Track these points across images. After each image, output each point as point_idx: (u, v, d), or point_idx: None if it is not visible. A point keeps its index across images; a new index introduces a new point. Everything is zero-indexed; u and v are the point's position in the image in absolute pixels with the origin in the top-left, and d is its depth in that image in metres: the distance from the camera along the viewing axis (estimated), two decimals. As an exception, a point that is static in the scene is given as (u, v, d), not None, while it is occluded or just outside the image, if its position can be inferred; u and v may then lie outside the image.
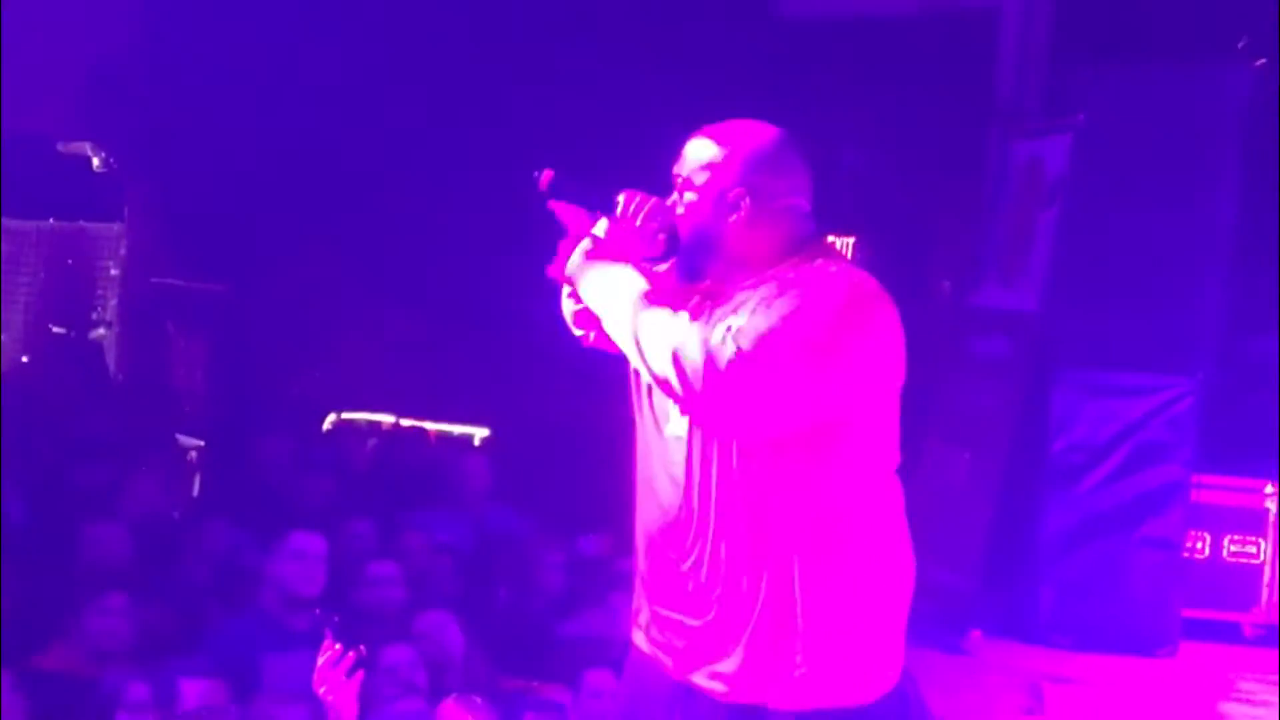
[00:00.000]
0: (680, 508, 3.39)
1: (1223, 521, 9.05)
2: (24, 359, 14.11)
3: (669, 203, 3.45)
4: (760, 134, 3.41)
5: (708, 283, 3.44)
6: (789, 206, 3.39)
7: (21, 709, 5.36)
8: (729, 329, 3.21)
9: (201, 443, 11.21)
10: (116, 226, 13.86)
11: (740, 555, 3.31)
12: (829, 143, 10.93)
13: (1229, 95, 8.85)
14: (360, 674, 4.51)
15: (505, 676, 6.76)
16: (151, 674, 5.66)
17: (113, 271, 14.08)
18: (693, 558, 3.38)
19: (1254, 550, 9.05)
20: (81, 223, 14.16)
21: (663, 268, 3.50)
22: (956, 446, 9.17)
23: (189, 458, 10.97)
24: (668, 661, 3.46)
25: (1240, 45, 8.97)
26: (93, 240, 14.24)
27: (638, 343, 3.27)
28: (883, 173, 10.97)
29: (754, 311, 3.23)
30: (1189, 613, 8.82)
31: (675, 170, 3.45)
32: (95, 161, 13.51)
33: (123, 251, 13.82)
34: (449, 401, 11.94)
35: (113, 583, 6.56)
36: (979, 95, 9.82)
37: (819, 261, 3.34)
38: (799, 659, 3.29)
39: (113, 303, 14.08)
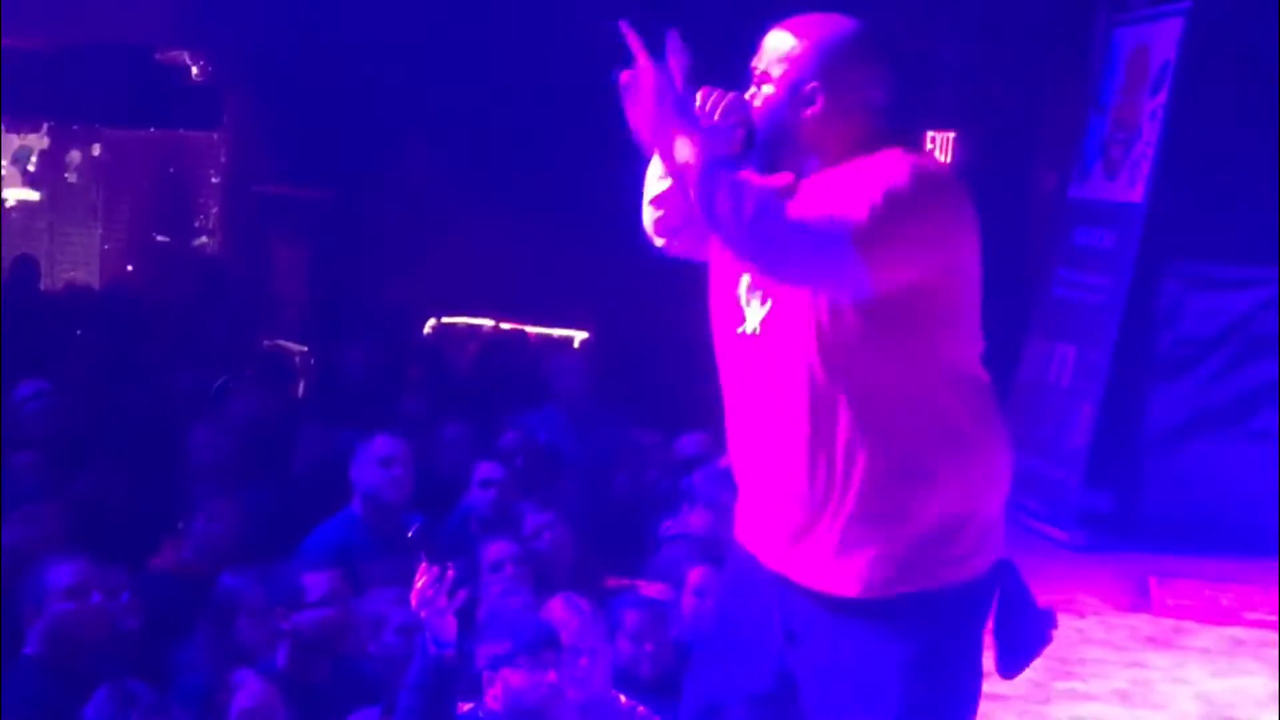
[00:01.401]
0: (764, 405, 3.38)
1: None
2: (129, 267, 14.33)
3: (747, 96, 3.40)
4: (836, 26, 3.38)
5: (785, 176, 3.38)
6: (865, 100, 3.36)
7: (139, 608, 5.44)
8: None
9: (305, 348, 11.34)
10: (216, 135, 14.01)
11: (827, 447, 3.31)
12: (928, 34, 10.81)
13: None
14: (461, 594, 4.52)
15: (609, 574, 6.79)
16: (263, 575, 5.72)
17: (214, 180, 14.25)
18: (782, 453, 3.37)
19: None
20: (181, 131, 14.30)
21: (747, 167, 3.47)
22: (1061, 341, 9.10)
23: (293, 361, 11.09)
24: (767, 555, 3.47)
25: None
26: (193, 149, 14.39)
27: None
28: (983, 64, 10.83)
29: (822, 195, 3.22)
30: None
31: (753, 64, 3.42)
32: (193, 70, 13.63)
33: (223, 160, 13.97)
34: (548, 304, 12.00)
35: (219, 485, 6.65)
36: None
37: (895, 151, 3.30)
38: (892, 547, 3.29)
39: (214, 211, 14.27)
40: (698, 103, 3.39)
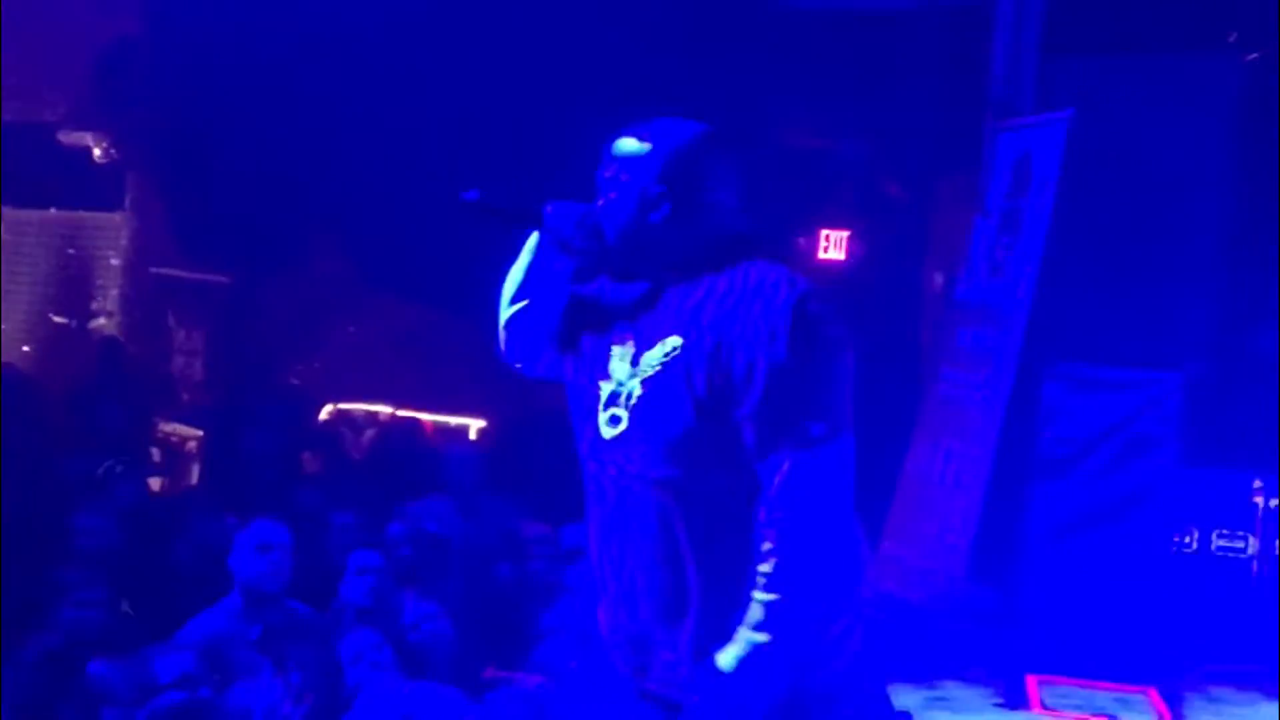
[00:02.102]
0: (616, 513, 3.40)
1: (1209, 516, 9.06)
2: (25, 348, 14.16)
3: (599, 205, 3.42)
4: (681, 131, 3.40)
5: (638, 288, 3.43)
6: (714, 203, 3.37)
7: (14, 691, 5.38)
8: (672, 350, 3.27)
9: (200, 432, 11.25)
10: (118, 216, 13.91)
11: (672, 557, 3.32)
12: (826, 134, 10.97)
13: (1221, 88, 8.85)
14: (308, 699, 4.53)
15: (490, 665, 6.77)
16: (131, 664, 5.67)
17: (113, 261, 14.11)
18: (634, 561, 3.39)
19: (1240, 545, 9.05)
20: (82, 212, 14.20)
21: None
22: (946, 438, 9.18)
23: (186, 448, 11.01)
24: (622, 665, 3.48)
25: (1231, 39, 8.96)
26: (94, 230, 14.27)
27: None
28: (878, 165, 10.99)
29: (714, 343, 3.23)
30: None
31: (602, 173, 3.43)
32: (96, 151, 13.55)
33: (124, 241, 13.86)
34: (446, 392, 11.97)
35: (97, 572, 6.58)
36: (973, 89, 9.81)
37: (756, 263, 3.31)
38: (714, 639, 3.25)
39: (113, 292, 14.13)
40: (548, 211, 3.44)
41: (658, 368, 3.30)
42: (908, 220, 10.93)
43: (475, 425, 11.74)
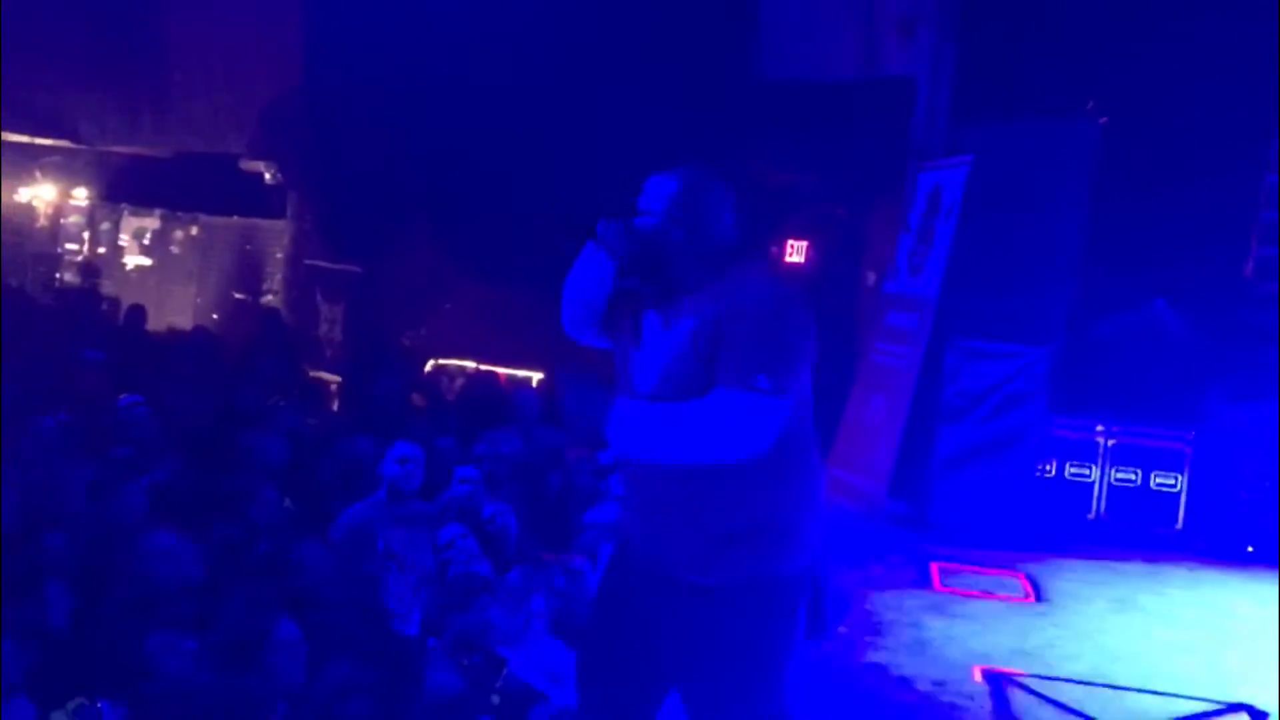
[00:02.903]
0: (647, 445, 3.35)
1: (1065, 451, 9.04)
2: (214, 316, 14.20)
3: (637, 225, 3.43)
4: (695, 173, 3.43)
5: (665, 286, 3.42)
6: (722, 225, 3.40)
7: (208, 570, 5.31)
8: (686, 329, 3.30)
9: (339, 378, 11.26)
10: (281, 223, 13.92)
11: (683, 475, 3.30)
12: (793, 172, 10.90)
13: (1081, 142, 8.78)
14: None
15: (545, 550, 6.75)
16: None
17: (278, 255, 14.15)
18: (654, 480, 3.37)
19: (1086, 473, 9.04)
20: (256, 219, 14.22)
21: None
22: (875, 392, 9.16)
23: (330, 388, 11.01)
24: (649, 550, 3.44)
25: (1089, 105, 8.88)
26: (264, 232, 14.32)
27: None
28: (830, 194, 10.93)
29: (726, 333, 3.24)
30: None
31: (640, 201, 3.46)
32: (267, 175, 13.57)
33: (285, 240, 13.88)
34: (515, 352, 11.97)
35: (269, 480, 6.57)
36: (901, 139, 9.76)
37: (747, 265, 3.36)
38: (745, 545, 3.28)
39: (278, 277, 14.16)
40: (598, 231, 3.45)
41: (675, 349, 3.32)
42: (851, 234, 10.87)
43: (536, 376, 11.72)
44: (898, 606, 7.02)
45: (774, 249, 10.95)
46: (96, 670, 4.41)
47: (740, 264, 3.37)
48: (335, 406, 10.36)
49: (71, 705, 4.14)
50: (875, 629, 6.55)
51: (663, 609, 3.40)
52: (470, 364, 12.14)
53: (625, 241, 3.42)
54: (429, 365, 12.07)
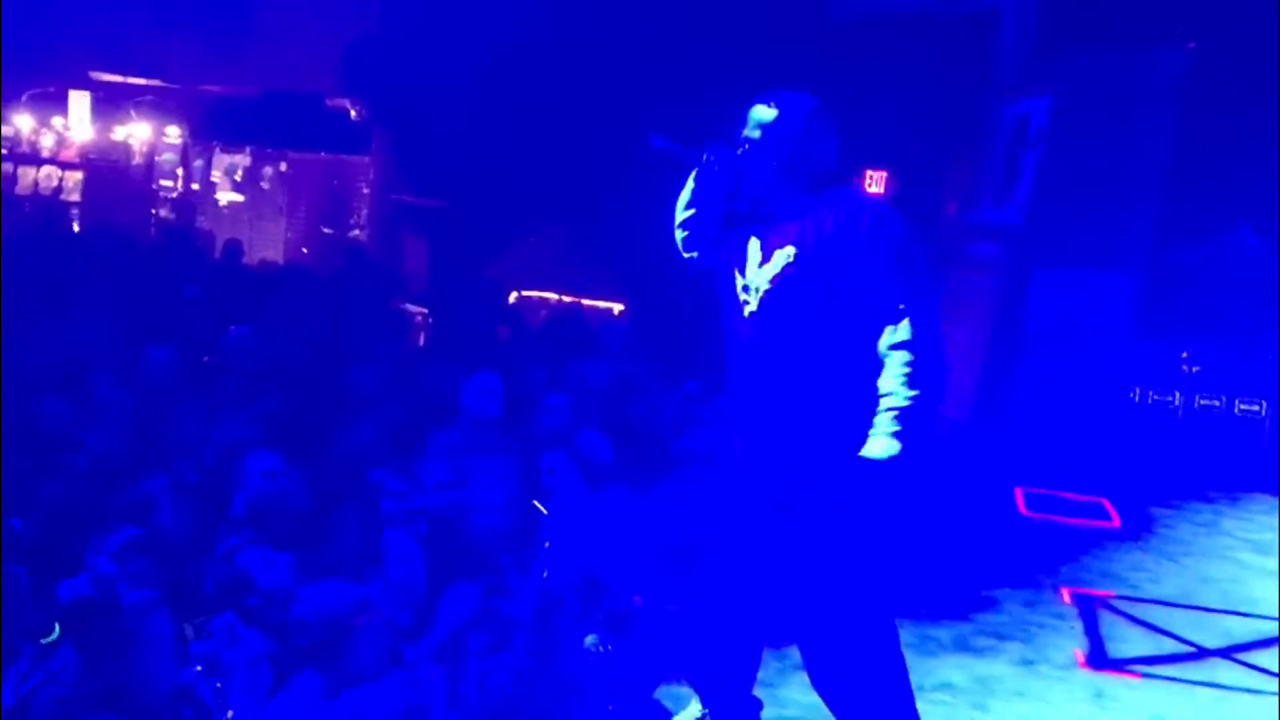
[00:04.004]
0: (756, 359, 3.44)
1: (1148, 377, 8.90)
2: (304, 250, 14.33)
3: (739, 153, 3.51)
4: (799, 104, 3.48)
5: (768, 209, 3.48)
6: (819, 155, 3.45)
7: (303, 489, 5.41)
8: (789, 257, 3.36)
9: (425, 310, 11.34)
10: (367, 159, 13.97)
11: (790, 388, 3.37)
12: (875, 107, 10.74)
13: (1166, 72, 8.59)
14: None
15: (638, 475, 6.78)
16: (397, 464, 5.74)
17: (364, 190, 14.22)
18: (758, 390, 3.43)
19: (1170, 399, 8.90)
20: (342, 155, 14.28)
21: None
22: (958, 318, 9.08)
23: (416, 320, 11.09)
24: (749, 455, 3.50)
25: (1176, 33, 8.66)
26: (350, 168, 14.37)
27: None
28: (912, 128, 10.75)
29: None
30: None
31: (742, 129, 3.52)
32: (352, 113, 13.61)
33: (371, 176, 13.94)
34: (597, 283, 11.98)
35: (369, 406, 6.65)
36: (983, 71, 9.59)
37: (846, 192, 3.42)
38: (817, 445, 3.34)
39: (364, 212, 14.25)
40: (705, 159, 3.53)
41: (779, 269, 3.38)
42: (932, 165, 10.70)
43: (617, 307, 11.73)
44: (984, 533, 6.99)
45: (854, 179, 10.82)
46: (209, 586, 4.52)
47: (839, 192, 3.41)
48: (423, 338, 10.43)
49: (198, 620, 4.25)
50: (963, 554, 6.53)
51: (768, 512, 3.46)
52: (553, 295, 12.18)
53: (731, 167, 3.49)
54: (512, 297, 12.12)
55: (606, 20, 11.20)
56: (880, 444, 3.22)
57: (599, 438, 6.47)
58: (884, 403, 3.22)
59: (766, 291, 3.40)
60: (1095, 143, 8.63)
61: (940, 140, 10.61)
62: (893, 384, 3.21)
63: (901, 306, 3.23)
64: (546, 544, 4.79)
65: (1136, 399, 8.89)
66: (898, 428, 3.20)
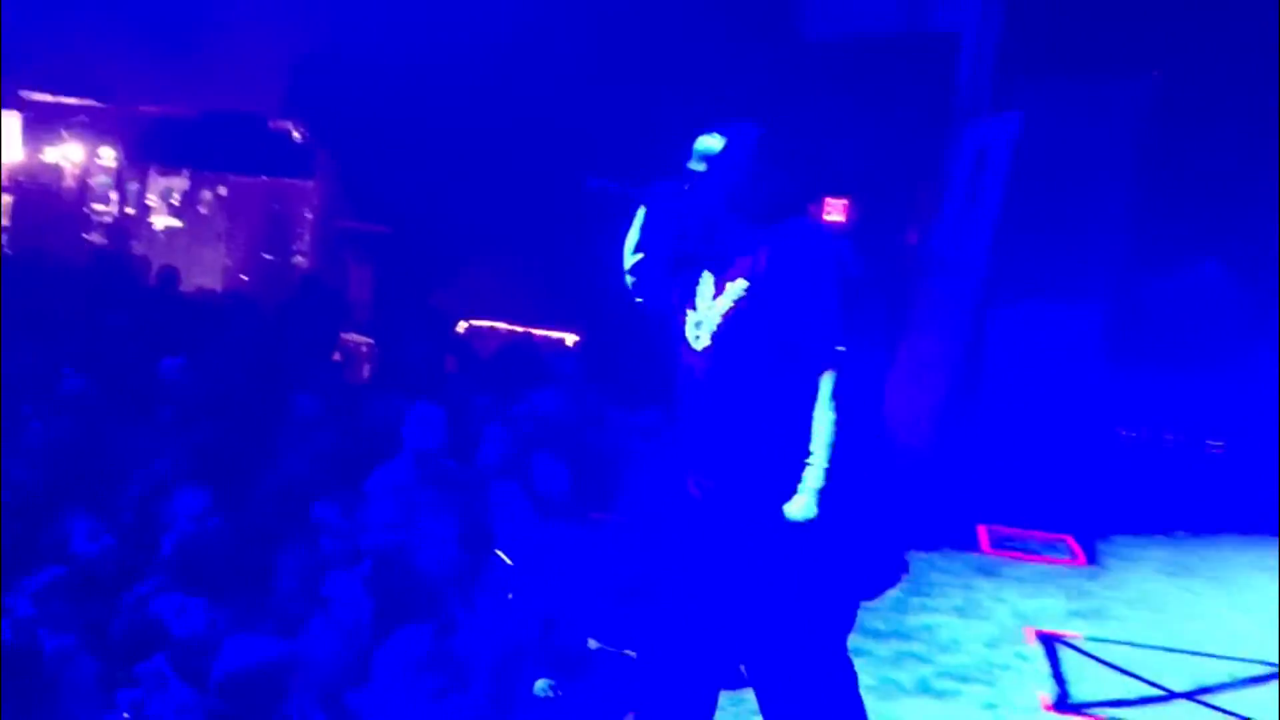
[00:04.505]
0: (703, 394, 3.46)
1: (1116, 412, 8.97)
2: (243, 277, 14.20)
3: (685, 189, 3.51)
4: (744, 132, 3.48)
5: (718, 244, 3.49)
6: (771, 183, 3.45)
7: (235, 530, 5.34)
8: (741, 291, 3.37)
9: (370, 340, 11.25)
10: (310, 183, 13.88)
11: (737, 426, 3.39)
12: (839, 132, 10.80)
13: (1131, 99, 8.70)
14: None
15: (590, 508, 6.76)
16: (340, 503, 5.67)
17: (307, 215, 14.12)
18: (709, 426, 3.45)
19: (1136, 434, 8.97)
20: (285, 179, 14.19)
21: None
22: (921, 354, 9.11)
23: (361, 350, 11.01)
24: (699, 492, 3.51)
25: (1141, 63, 8.79)
26: (293, 192, 14.26)
27: None
28: (875, 154, 10.83)
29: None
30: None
31: (687, 164, 3.52)
32: (295, 135, 13.52)
33: (315, 201, 13.85)
34: (549, 313, 11.95)
35: (310, 435, 6.58)
36: (945, 95, 9.66)
37: (799, 222, 3.42)
38: (768, 482, 3.35)
39: (307, 238, 14.14)
40: (653, 196, 3.55)
41: (730, 304, 3.40)
42: (892, 191, 10.77)
43: (570, 338, 11.70)
44: (946, 568, 7.00)
45: (812, 207, 10.87)
46: (117, 634, 4.43)
47: (791, 222, 3.42)
48: (368, 369, 10.36)
49: (124, 666, 4.17)
50: (924, 590, 6.53)
51: (719, 550, 3.46)
52: (503, 325, 12.13)
53: (677, 204, 3.50)
54: (461, 326, 12.06)
55: (563, 41, 11.22)
56: (799, 504, 3.28)
57: (556, 467, 6.44)
58: (810, 459, 3.28)
59: (719, 326, 3.42)
60: (1060, 171, 8.71)
61: (902, 166, 10.68)
62: (816, 442, 3.27)
63: (840, 349, 3.26)
64: (510, 595, 4.74)
65: (1103, 433, 8.95)
66: (818, 486, 3.26)
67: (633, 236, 3.66)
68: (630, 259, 3.67)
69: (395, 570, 5.08)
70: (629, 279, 3.70)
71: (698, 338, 3.47)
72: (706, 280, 3.51)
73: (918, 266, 9.74)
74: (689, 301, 3.54)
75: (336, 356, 10.60)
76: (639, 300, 3.72)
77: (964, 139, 9.35)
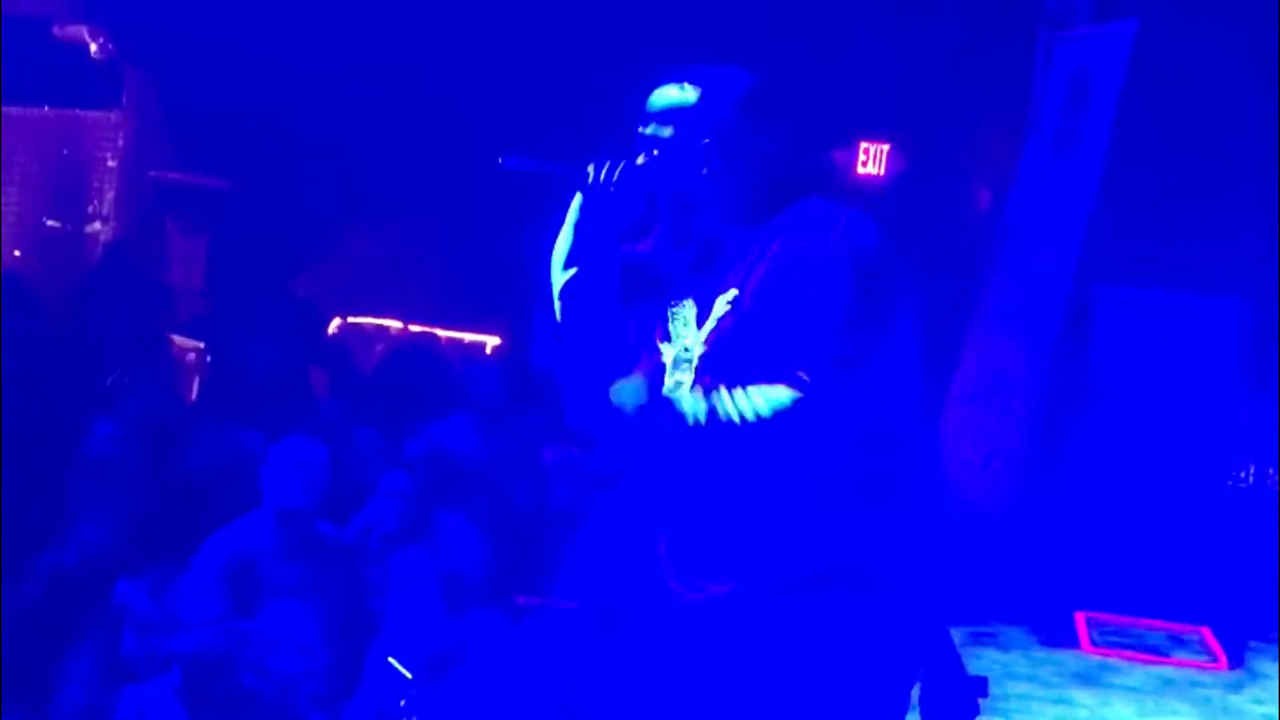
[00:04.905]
0: (690, 461, 3.43)
1: (1264, 448, 9.04)
2: (16, 253, 14.12)
3: (639, 162, 3.42)
4: (724, 78, 3.44)
5: (698, 245, 3.47)
6: (762, 152, 3.41)
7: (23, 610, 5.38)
8: (730, 304, 3.34)
9: (200, 344, 11.22)
10: (114, 115, 13.80)
11: (741, 501, 3.39)
12: (865, 40, 10.87)
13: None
14: None
15: (519, 590, 6.79)
16: (152, 582, 5.68)
17: (110, 163, 14.04)
18: (704, 500, 3.44)
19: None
20: (77, 110, 14.10)
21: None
22: (994, 361, 9.16)
23: (187, 359, 10.99)
24: (671, 574, 3.53)
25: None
26: (89, 129, 14.17)
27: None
28: (921, 75, 10.88)
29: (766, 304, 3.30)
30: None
31: (640, 129, 3.44)
32: (93, 46, 13.45)
33: (120, 142, 13.78)
34: (461, 307, 11.96)
35: (109, 486, 6.57)
36: (1025, -1, 9.75)
37: (806, 204, 3.37)
38: (816, 593, 3.35)
39: (110, 196, 14.06)
40: (590, 177, 3.44)
41: (715, 323, 3.38)
42: (952, 133, 10.84)
43: (490, 341, 11.72)
44: (1032, 675, 7.04)
45: (837, 156, 10.95)
46: None
47: (797, 204, 3.39)
48: (195, 386, 10.37)
49: None
50: (1001, 710, 6.53)
51: (718, 670, 3.45)
52: (394, 323, 12.14)
53: (630, 187, 3.43)
54: (333, 324, 12.07)
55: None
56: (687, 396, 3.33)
57: (469, 533, 6.47)
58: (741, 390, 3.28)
59: (702, 358, 3.41)
60: (1186, 108, 8.79)
61: (965, 99, 10.77)
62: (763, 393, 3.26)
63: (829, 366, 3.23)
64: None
65: (1249, 479, 9.01)
66: (717, 407, 3.29)
67: (563, 241, 3.56)
68: (560, 277, 3.56)
69: (223, 681, 5.09)
70: (557, 304, 3.58)
71: (679, 382, 3.45)
72: (687, 306, 3.49)
73: (988, 240, 9.81)
74: (659, 332, 3.53)
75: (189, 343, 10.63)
76: (573, 343, 3.63)
77: (1054, 59, 9.43)
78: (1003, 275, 9.42)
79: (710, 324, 3.39)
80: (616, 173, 3.42)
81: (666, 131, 3.40)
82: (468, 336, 11.90)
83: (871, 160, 10.78)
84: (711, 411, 3.28)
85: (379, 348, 11.47)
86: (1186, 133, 8.85)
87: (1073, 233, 8.79)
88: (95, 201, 14.22)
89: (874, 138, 10.84)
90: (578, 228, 3.52)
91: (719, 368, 3.35)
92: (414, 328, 11.96)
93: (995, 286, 9.43)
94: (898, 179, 10.76)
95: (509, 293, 11.54)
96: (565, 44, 10.63)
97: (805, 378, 3.21)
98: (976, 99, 10.61)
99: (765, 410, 3.23)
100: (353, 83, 12.02)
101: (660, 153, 3.40)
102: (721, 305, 3.37)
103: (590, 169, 3.44)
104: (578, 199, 3.52)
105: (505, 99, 11.46)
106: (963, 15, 10.19)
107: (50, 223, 14.23)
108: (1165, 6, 8.85)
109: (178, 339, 11.43)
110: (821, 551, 3.34)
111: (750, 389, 3.26)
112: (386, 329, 12.15)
